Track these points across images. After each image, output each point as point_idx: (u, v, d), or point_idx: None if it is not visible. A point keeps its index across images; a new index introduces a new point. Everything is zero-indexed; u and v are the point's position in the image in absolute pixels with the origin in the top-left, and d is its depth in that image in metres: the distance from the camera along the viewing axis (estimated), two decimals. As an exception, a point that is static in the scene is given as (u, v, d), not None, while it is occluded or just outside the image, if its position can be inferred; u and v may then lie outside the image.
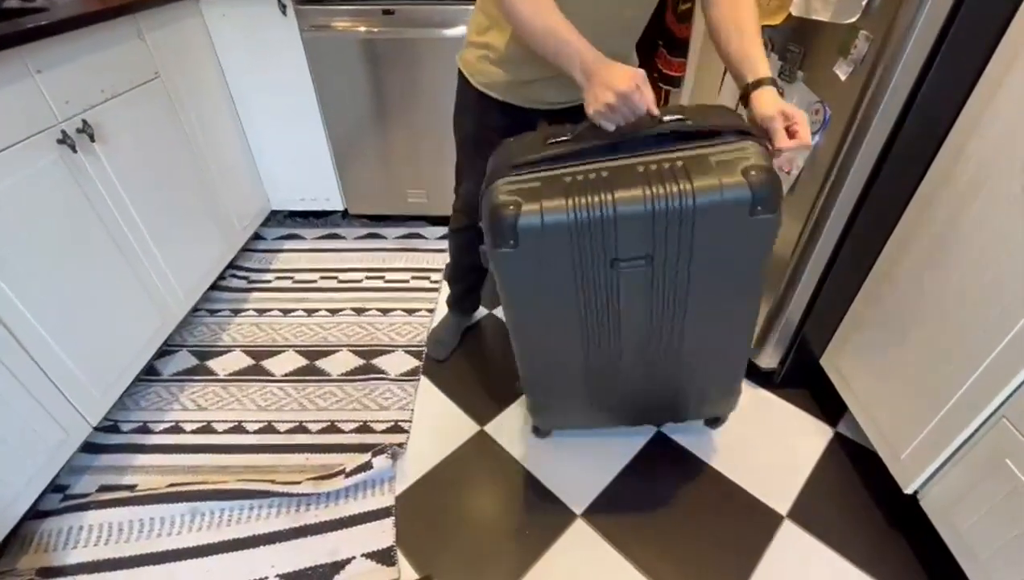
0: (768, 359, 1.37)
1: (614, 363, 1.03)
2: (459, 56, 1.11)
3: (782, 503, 1.14)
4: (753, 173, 0.79)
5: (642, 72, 0.79)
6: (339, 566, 1.02)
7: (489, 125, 1.10)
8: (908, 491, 1.02)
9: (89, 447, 1.24)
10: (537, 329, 0.98)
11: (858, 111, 0.96)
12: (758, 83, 0.83)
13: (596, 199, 0.81)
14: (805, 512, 1.12)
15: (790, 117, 0.82)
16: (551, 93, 1.06)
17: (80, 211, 1.13)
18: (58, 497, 1.14)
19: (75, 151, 1.10)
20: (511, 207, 0.81)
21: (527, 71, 1.01)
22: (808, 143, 0.83)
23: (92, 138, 1.14)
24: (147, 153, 1.33)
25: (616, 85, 0.76)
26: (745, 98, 0.85)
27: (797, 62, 1.14)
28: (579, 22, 0.86)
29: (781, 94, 0.85)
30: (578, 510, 1.13)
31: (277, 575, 1.01)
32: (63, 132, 1.08)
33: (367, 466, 1.15)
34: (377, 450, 1.19)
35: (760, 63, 0.84)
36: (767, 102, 0.82)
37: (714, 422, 1.29)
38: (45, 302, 1.04)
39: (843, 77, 0.99)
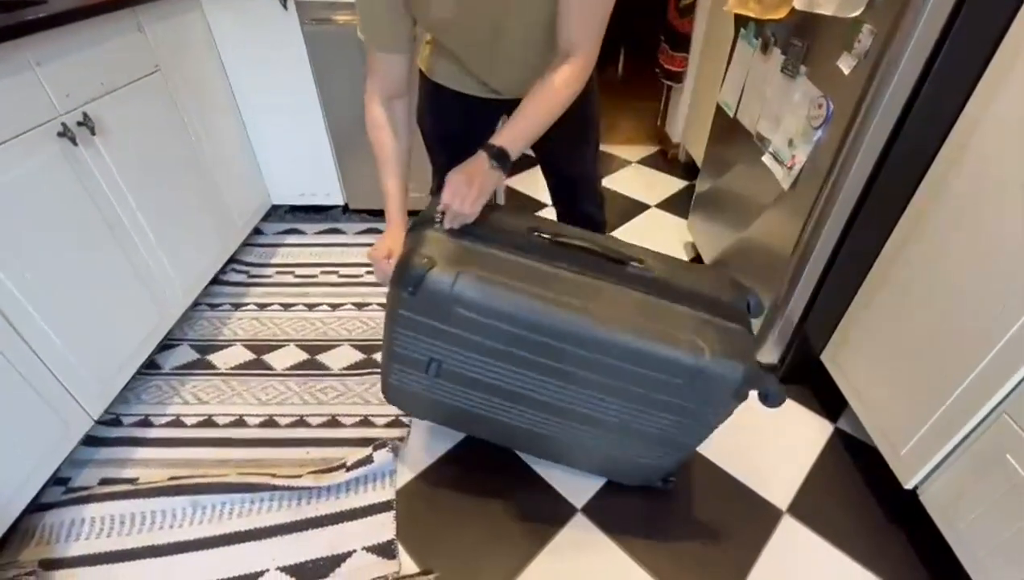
0: (768, 355, 1.37)
1: (496, 413, 1.03)
2: (418, 56, 1.09)
3: (782, 498, 1.14)
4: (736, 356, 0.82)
5: (391, 247, 0.93)
6: (340, 559, 1.03)
7: (448, 117, 1.10)
8: (908, 486, 1.02)
9: (90, 440, 1.24)
10: (411, 356, 0.98)
11: (861, 105, 0.96)
12: (483, 146, 0.87)
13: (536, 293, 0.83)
14: (805, 507, 1.12)
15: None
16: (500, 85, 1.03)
17: (81, 204, 1.13)
18: (60, 490, 1.14)
19: (76, 144, 1.10)
20: (423, 261, 0.83)
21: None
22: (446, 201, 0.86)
23: (93, 132, 1.14)
24: (148, 147, 1.33)
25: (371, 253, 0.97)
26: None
27: (800, 56, 1.13)
28: (467, 57, 0.94)
29: (496, 165, 0.86)
30: (578, 504, 1.13)
31: (278, 568, 1.02)
32: (64, 125, 1.08)
33: (368, 460, 1.15)
34: (378, 444, 1.19)
35: (501, 133, 0.88)
36: (465, 164, 0.87)
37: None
38: (45, 295, 1.04)
39: (847, 71, 0.98)
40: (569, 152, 1.17)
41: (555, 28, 0.83)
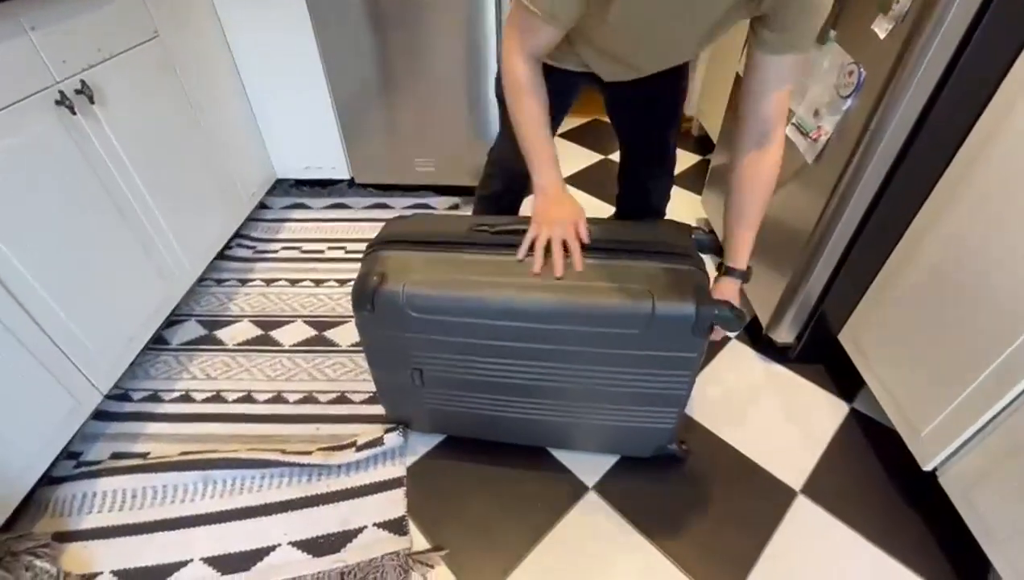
0: (784, 334, 1.34)
1: (492, 409, 1.06)
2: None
3: (796, 478, 1.13)
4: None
5: (581, 217, 0.90)
6: (351, 535, 1.03)
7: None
8: (927, 468, 1.01)
9: (101, 415, 1.24)
10: (394, 373, 1.04)
11: (896, 72, 0.90)
12: (727, 270, 0.95)
13: (484, 284, 0.86)
14: (819, 487, 1.11)
15: None
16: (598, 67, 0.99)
17: (81, 175, 1.10)
18: (71, 463, 1.15)
19: (74, 113, 1.07)
20: (374, 278, 0.88)
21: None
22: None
23: (91, 100, 1.10)
24: (148, 116, 1.29)
25: (554, 221, 0.89)
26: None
27: (830, 20, 1.07)
28: (637, 51, 0.88)
29: (744, 281, 0.96)
30: (590, 482, 1.12)
31: (290, 542, 1.02)
32: (61, 93, 1.04)
33: (379, 442, 1.15)
34: (389, 427, 1.18)
35: (738, 252, 0.94)
36: (721, 292, 0.94)
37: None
38: (49, 268, 1.02)
39: (882, 35, 0.93)
40: (660, 130, 1.14)
41: (744, 101, 0.83)
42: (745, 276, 0.95)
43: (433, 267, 0.90)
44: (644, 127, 1.15)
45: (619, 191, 1.30)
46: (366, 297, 0.88)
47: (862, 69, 0.98)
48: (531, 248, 0.90)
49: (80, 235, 1.10)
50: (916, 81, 0.89)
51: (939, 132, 0.95)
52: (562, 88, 1.01)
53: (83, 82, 1.09)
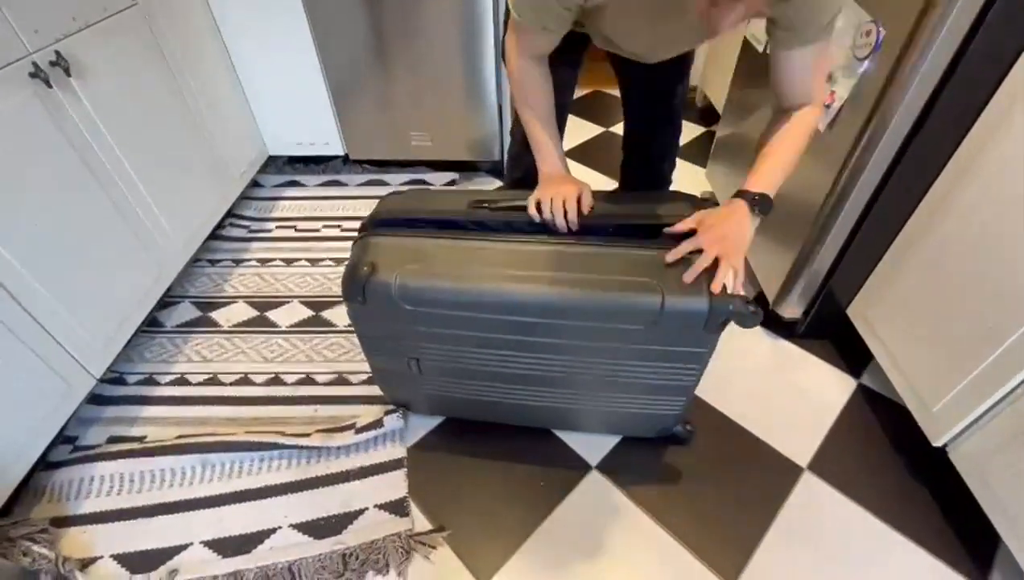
0: (791, 309, 1.31)
1: (494, 395, 1.03)
2: None
3: (802, 455, 1.11)
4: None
5: (584, 190, 0.88)
6: (352, 516, 1.02)
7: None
8: (937, 444, 0.99)
9: (96, 399, 1.22)
10: (391, 361, 1.01)
11: (919, 29, 0.85)
12: (739, 193, 0.81)
13: (482, 276, 0.81)
14: (826, 464, 1.09)
15: (701, 243, 0.79)
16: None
17: (60, 151, 1.05)
18: (68, 448, 1.13)
19: (50, 86, 1.01)
20: (365, 268, 0.83)
21: None
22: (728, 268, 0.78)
23: (68, 72, 1.05)
24: (129, 89, 1.24)
25: (556, 194, 0.86)
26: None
27: (847, -24, 1.01)
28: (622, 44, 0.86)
29: (758, 212, 0.80)
30: (593, 462, 1.11)
31: (290, 525, 1.01)
32: (35, 65, 0.99)
33: (378, 424, 1.13)
34: (389, 409, 1.16)
35: (757, 177, 0.81)
36: (718, 212, 0.81)
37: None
38: (31, 248, 0.98)
39: (903, -10, 0.87)
40: (664, 88, 1.09)
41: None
42: (762, 205, 0.79)
43: (428, 255, 0.85)
44: (653, 88, 1.10)
45: (624, 159, 1.25)
46: (356, 288, 0.84)
47: (881, 28, 0.92)
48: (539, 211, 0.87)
49: (63, 214, 1.06)
50: (940, 39, 0.84)
51: (961, 96, 0.90)
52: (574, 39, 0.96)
53: (58, 53, 1.03)
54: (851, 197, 1.07)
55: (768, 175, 0.80)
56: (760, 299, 1.39)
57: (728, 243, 0.77)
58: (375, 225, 0.92)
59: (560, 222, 0.86)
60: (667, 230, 0.83)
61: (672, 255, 0.79)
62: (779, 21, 0.72)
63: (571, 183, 0.88)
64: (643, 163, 1.22)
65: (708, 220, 0.80)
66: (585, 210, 0.87)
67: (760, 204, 0.79)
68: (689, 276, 0.77)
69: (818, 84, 0.80)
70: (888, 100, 0.93)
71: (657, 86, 1.09)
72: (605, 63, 1.10)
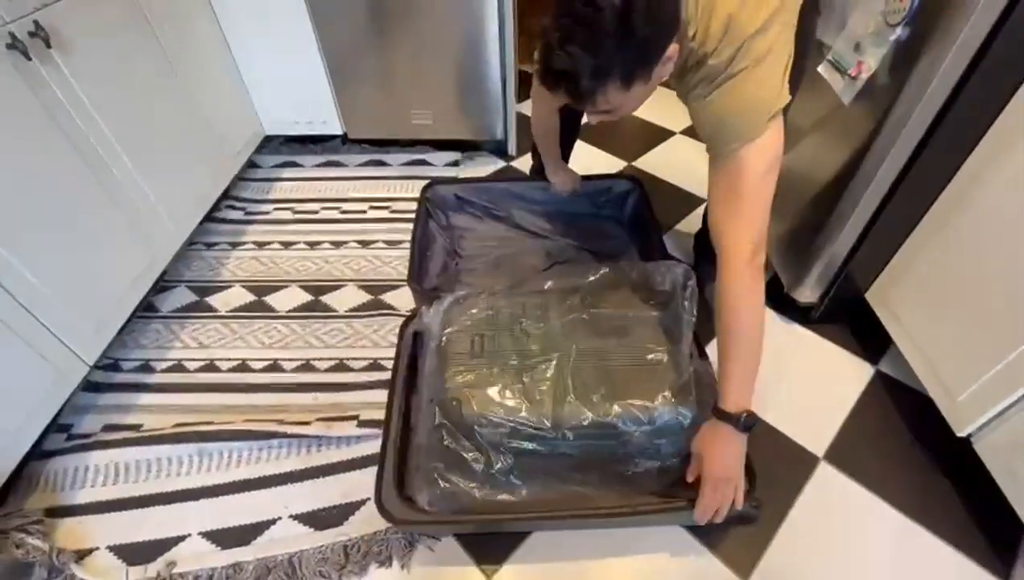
0: (808, 294, 1.26)
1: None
2: None
3: (818, 444, 1.08)
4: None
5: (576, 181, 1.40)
6: (354, 507, 0.99)
7: None
8: (962, 434, 0.95)
9: (91, 386, 1.19)
10: None
11: (961, -9, 0.78)
12: (719, 413, 0.80)
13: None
14: (843, 453, 1.06)
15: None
16: None
17: (42, 127, 1.00)
18: (62, 437, 1.10)
19: (29, 58, 0.95)
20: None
21: None
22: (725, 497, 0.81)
23: (48, 44, 0.99)
24: (114, 63, 1.17)
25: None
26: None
27: (879, -65, 0.94)
28: None
29: (745, 429, 0.80)
30: (601, 451, 1.07)
31: (290, 516, 0.98)
32: (12, 35, 0.93)
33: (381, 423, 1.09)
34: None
35: (736, 396, 0.80)
36: (713, 454, 0.81)
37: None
38: (15, 231, 0.94)
39: (944, -52, 0.80)
40: None
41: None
42: (750, 424, 0.79)
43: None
44: None
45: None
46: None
47: (916, -9, 0.86)
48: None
49: (47, 194, 1.01)
50: (983, 3, 0.78)
51: (1011, 54, 0.81)
52: None
53: (36, 23, 0.97)
54: (877, 176, 1.01)
55: (745, 387, 0.80)
56: (775, 283, 1.34)
57: (732, 477, 0.80)
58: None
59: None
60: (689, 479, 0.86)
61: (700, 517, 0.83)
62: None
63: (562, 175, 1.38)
64: None
65: (707, 466, 0.81)
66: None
67: (750, 426, 0.79)
68: (701, 518, 0.83)
69: (731, 222, 0.76)
70: (923, 70, 0.87)
71: None
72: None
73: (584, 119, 1.08)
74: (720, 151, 0.75)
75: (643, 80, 0.69)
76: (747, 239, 0.75)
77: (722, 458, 0.79)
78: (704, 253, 1.03)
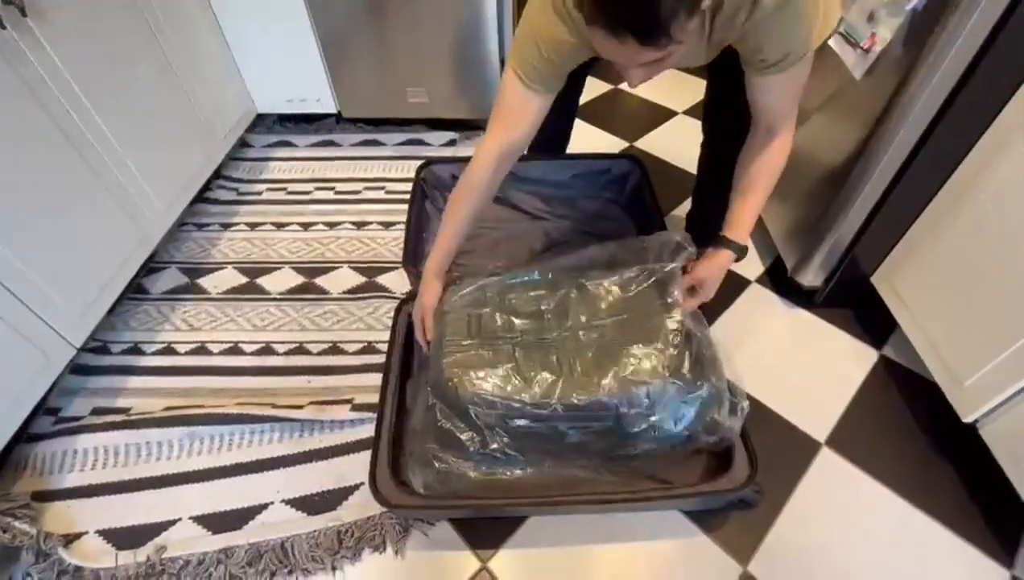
0: (812, 277, 1.23)
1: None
2: None
3: (820, 429, 1.06)
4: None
5: (427, 307, 0.98)
6: (347, 491, 0.97)
7: None
8: (968, 420, 0.93)
9: (79, 369, 1.17)
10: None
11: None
12: (726, 241, 0.93)
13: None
14: (845, 439, 1.04)
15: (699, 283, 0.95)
16: None
17: (21, 100, 0.96)
18: (50, 420, 1.08)
19: (3, 27, 0.91)
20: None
21: None
22: (703, 298, 0.95)
23: (23, 12, 0.94)
24: (96, 34, 1.13)
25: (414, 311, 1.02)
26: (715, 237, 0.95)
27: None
28: None
29: (737, 258, 0.94)
30: (600, 436, 1.05)
31: (283, 500, 0.97)
32: (-16, 3, 0.88)
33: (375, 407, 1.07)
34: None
35: (742, 222, 0.92)
36: (711, 267, 0.94)
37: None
38: (-4, 210, 0.91)
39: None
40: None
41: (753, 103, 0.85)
42: (743, 251, 0.94)
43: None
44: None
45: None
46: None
47: (935, -43, 0.81)
48: None
49: (27, 172, 0.97)
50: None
51: (1022, 38, 0.79)
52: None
53: (11, -10, 0.93)
54: (886, 155, 0.97)
55: (749, 221, 0.92)
56: (778, 266, 1.32)
57: (715, 285, 0.95)
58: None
59: (419, 337, 0.99)
60: (673, 297, 0.92)
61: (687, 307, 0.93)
62: (746, 58, 0.78)
63: (426, 295, 0.98)
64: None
65: (700, 273, 0.94)
66: (421, 339, 0.98)
67: (742, 252, 0.94)
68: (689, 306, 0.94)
69: (792, 108, 0.86)
70: (942, 42, 0.83)
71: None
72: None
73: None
74: (792, 62, 0.76)
75: (698, 14, 0.62)
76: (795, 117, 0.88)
77: (719, 271, 0.94)
78: (700, 235, 1.00)
